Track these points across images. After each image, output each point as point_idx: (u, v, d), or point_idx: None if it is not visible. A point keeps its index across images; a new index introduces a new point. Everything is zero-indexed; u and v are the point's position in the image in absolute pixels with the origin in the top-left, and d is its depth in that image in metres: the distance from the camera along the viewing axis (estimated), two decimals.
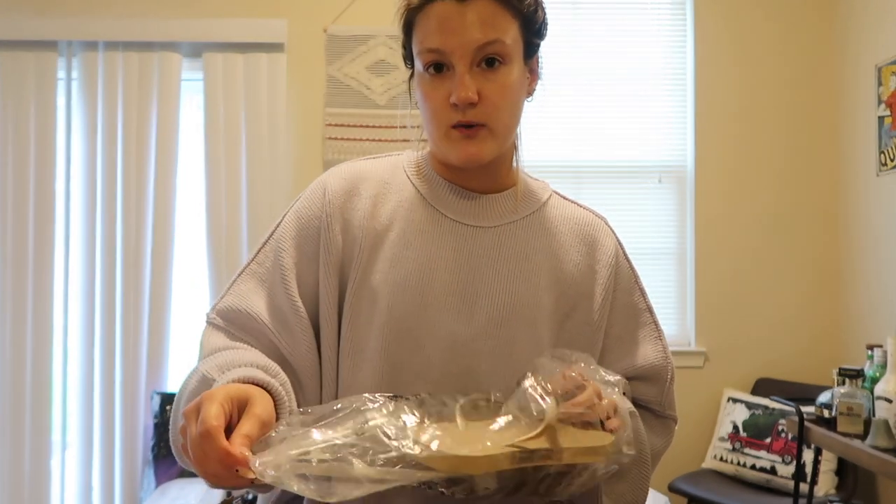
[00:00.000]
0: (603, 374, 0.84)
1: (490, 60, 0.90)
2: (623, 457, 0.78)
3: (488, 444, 0.72)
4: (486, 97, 0.90)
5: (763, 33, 3.43)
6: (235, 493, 2.79)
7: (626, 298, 1.02)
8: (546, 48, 1.00)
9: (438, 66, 0.91)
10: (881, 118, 3.07)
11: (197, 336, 1.00)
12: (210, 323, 0.96)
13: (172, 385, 3.26)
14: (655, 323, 1.04)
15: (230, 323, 0.95)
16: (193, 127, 3.38)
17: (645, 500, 0.99)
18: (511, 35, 0.91)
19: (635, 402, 1.01)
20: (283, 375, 0.87)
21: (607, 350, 1.00)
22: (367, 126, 3.32)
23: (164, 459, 3.03)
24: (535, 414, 0.76)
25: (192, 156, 3.36)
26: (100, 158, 3.25)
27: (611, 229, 1.05)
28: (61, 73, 3.31)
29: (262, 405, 0.73)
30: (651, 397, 1.02)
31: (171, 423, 0.89)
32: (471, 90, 0.89)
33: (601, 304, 0.98)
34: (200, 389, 0.82)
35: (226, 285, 1.01)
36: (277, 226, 0.99)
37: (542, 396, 0.77)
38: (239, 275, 0.98)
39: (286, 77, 3.29)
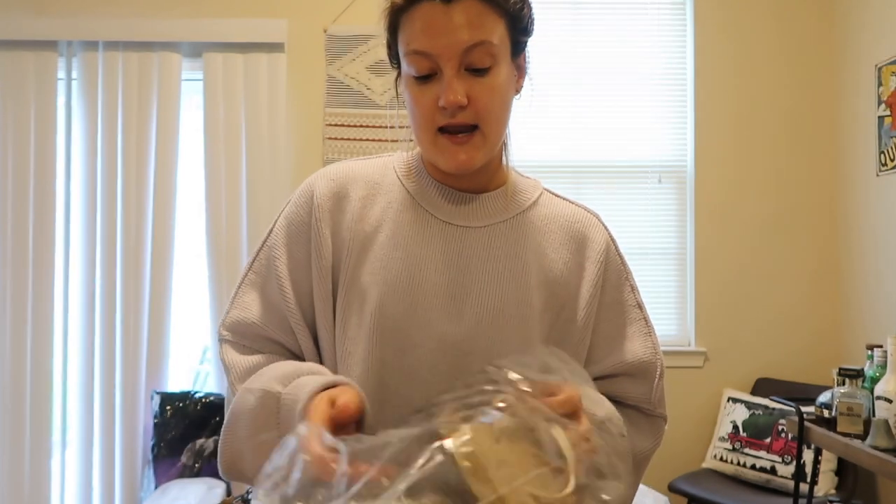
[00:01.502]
0: (590, 394, 0.75)
1: (478, 69, 0.89)
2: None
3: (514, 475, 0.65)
4: (476, 99, 0.89)
5: (763, 33, 3.43)
6: (234, 492, 2.79)
7: (616, 295, 1.01)
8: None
9: (426, 74, 0.89)
10: (881, 118, 3.07)
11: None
12: (223, 340, 0.99)
13: (172, 385, 3.26)
14: (645, 319, 1.02)
15: (241, 336, 0.98)
16: (193, 127, 3.38)
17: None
18: (498, 35, 0.89)
19: (622, 402, 0.99)
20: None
21: (595, 346, 0.99)
22: (367, 126, 3.32)
23: (164, 459, 3.03)
24: (556, 457, 0.68)
25: (192, 156, 3.36)
26: (100, 158, 3.25)
27: (602, 225, 1.03)
28: (61, 73, 3.31)
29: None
30: (639, 395, 1.00)
31: (223, 442, 0.90)
32: (459, 93, 0.87)
33: (589, 301, 0.97)
34: (266, 403, 0.85)
35: (227, 291, 1.04)
36: (269, 232, 1.00)
37: (564, 437, 0.69)
38: (239, 286, 1.00)
39: (286, 77, 3.29)
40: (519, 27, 0.93)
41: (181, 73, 3.30)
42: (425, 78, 0.90)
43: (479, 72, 0.89)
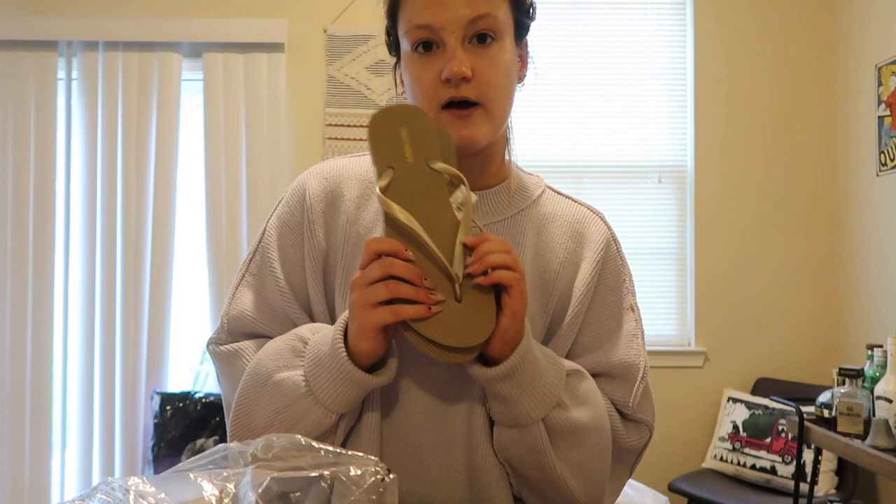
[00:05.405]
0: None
1: (482, 37, 0.87)
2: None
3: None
4: (480, 73, 0.87)
5: (763, 33, 3.43)
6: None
7: (610, 296, 0.97)
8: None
9: (427, 45, 0.88)
10: (881, 118, 3.07)
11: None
12: (219, 341, 0.98)
13: (172, 385, 3.26)
14: (636, 321, 0.98)
15: (239, 335, 0.97)
16: (193, 127, 3.38)
17: (607, 473, 0.91)
18: (502, 12, 0.89)
19: None
20: None
21: (580, 344, 0.96)
22: (367, 126, 3.32)
23: (164, 459, 3.03)
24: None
25: (192, 156, 3.36)
26: (100, 158, 3.25)
27: (605, 224, 1.00)
28: (61, 73, 3.31)
29: None
30: (618, 397, 0.95)
31: (241, 391, 0.88)
32: (464, 64, 0.85)
33: (580, 300, 0.94)
34: (293, 345, 0.86)
35: (227, 291, 1.02)
36: (263, 232, 0.98)
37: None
38: (237, 286, 0.98)
39: (286, 77, 3.29)
40: (522, 8, 0.93)
41: (181, 73, 3.30)
42: (427, 54, 0.88)
43: (483, 42, 0.87)
